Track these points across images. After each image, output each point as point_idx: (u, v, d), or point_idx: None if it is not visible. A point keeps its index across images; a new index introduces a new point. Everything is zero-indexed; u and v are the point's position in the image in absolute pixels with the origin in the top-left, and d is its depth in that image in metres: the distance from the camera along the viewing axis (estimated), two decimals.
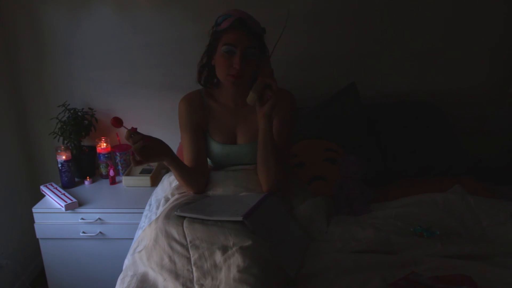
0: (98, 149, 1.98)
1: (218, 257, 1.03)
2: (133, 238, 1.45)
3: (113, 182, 1.97)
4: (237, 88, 1.33)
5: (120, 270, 1.19)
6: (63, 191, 1.85)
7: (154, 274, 1.09)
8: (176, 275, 1.04)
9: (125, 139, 1.19)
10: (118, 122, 1.20)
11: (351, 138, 1.78)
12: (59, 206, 1.76)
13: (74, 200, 1.76)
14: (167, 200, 1.46)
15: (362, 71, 2.02)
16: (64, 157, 1.87)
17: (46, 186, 1.90)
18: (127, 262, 1.25)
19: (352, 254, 1.14)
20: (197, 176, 1.38)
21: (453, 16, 1.95)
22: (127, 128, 1.18)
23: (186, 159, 1.41)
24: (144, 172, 1.97)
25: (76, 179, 2.00)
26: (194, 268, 1.04)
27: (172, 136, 1.95)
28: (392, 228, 1.28)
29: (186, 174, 1.34)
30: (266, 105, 1.25)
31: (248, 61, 1.27)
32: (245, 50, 1.25)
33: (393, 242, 1.20)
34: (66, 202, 1.74)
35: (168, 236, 1.11)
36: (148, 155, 1.19)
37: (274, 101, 1.24)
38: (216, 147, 1.43)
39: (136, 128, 1.18)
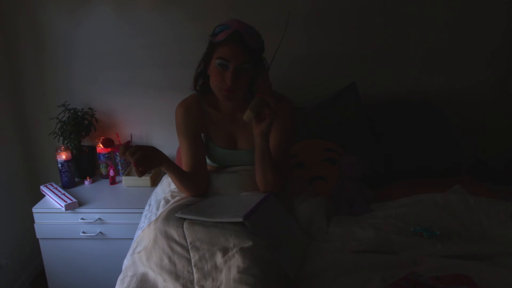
0: (98, 149, 1.98)
1: (219, 258, 1.03)
2: (133, 238, 1.45)
3: (113, 182, 1.97)
4: (230, 101, 1.31)
5: (120, 270, 1.19)
6: (63, 191, 1.85)
7: (154, 275, 1.09)
8: (176, 276, 1.04)
9: (120, 155, 1.17)
10: (108, 142, 1.19)
11: (351, 138, 1.78)
12: (59, 206, 1.76)
13: (74, 200, 1.76)
14: (167, 201, 1.46)
15: (362, 71, 2.02)
16: (64, 157, 1.87)
17: (46, 186, 1.90)
18: (126, 262, 1.25)
19: (352, 254, 1.14)
20: (195, 181, 1.37)
21: (453, 16, 1.95)
22: (118, 146, 1.17)
23: (185, 164, 1.40)
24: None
25: (76, 179, 2.00)
26: (194, 270, 1.04)
27: (172, 136, 1.94)
28: (392, 228, 1.28)
29: (184, 178, 1.33)
30: (263, 123, 1.22)
31: (241, 76, 1.24)
32: (239, 65, 1.22)
33: (393, 242, 1.20)
34: (66, 202, 1.74)
35: (168, 237, 1.11)
36: (149, 163, 1.17)
37: (271, 120, 1.21)
38: (216, 151, 1.43)
39: (130, 142, 1.18)
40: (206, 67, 1.33)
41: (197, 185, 1.38)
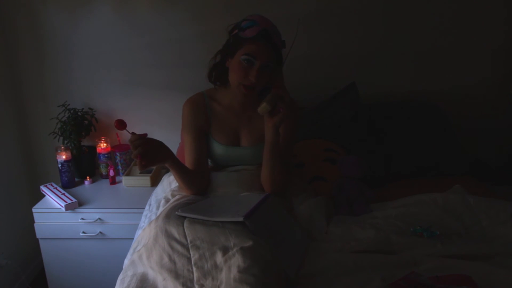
0: (98, 149, 1.98)
1: (219, 257, 1.03)
2: (133, 238, 1.45)
3: (113, 182, 1.97)
4: (247, 97, 1.33)
5: (120, 270, 1.19)
6: (63, 191, 1.85)
7: (154, 274, 1.09)
8: (176, 274, 1.04)
9: (128, 142, 1.18)
10: (121, 124, 1.19)
11: (351, 138, 1.78)
12: (59, 206, 1.76)
13: (74, 200, 1.76)
14: (167, 200, 1.46)
15: (362, 71, 2.02)
16: (64, 157, 1.87)
17: (46, 186, 1.90)
18: (127, 262, 1.25)
19: (352, 254, 1.14)
20: (197, 179, 1.38)
21: (453, 16, 1.95)
22: (129, 132, 1.17)
23: (188, 161, 1.41)
24: (144, 172, 1.97)
25: (76, 179, 2.00)
26: (194, 268, 1.04)
27: (172, 136, 1.96)
28: (392, 228, 1.28)
29: (186, 176, 1.34)
30: (277, 117, 1.25)
31: (264, 74, 1.26)
32: (264, 63, 1.24)
33: (393, 242, 1.20)
34: (66, 202, 1.74)
35: (168, 236, 1.11)
36: (152, 158, 1.18)
37: (285, 113, 1.24)
38: (219, 149, 1.43)
39: (146, 134, 1.18)
40: (224, 58, 1.33)
41: (199, 183, 1.38)
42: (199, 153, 1.41)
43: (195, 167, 1.39)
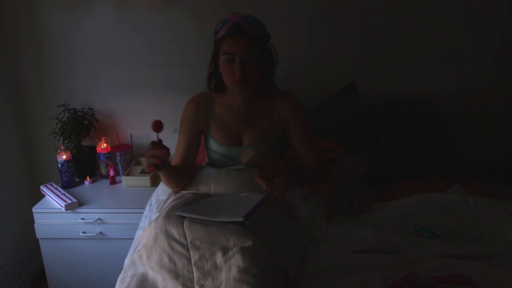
0: (98, 149, 1.98)
1: (219, 257, 1.03)
2: (133, 238, 1.45)
3: (113, 182, 1.97)
4: (245, 92, 1.34)
5: (120, 270, 1.19)
6: (63, 191, 1.85)
7: (154, 274, 1.09)
8: (176, 275, 1.04)
9: (149, 142, 1.19)
10: (158, 127, 1.19)
11: (351, 138, 1.78)
12: (59, 206, 1.76)
13: (74, 200, 1.76)
14: (168, 198, 1.46)
15: (362, 71, 2.02)
16: (64, 157, 1.87)
17: (46, 186, 1.90)
18: (127, 262, 1.25)
19: (352, 254, 1.14)
20: (181, 177, 1.40)
21: (453, 16, 1.95)
22: (158, 138, 1.18)
23: (176, 156, 1.44)
24: (144, 172, 1.97)
25: (76, 179, 2.00)
26: (194, 269, 1.04)
27: (172, 136, 1.95)
28: (392, 228, 1.28)
29: (172, 178, 1.37)
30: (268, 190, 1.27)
31: (250, 64, 1.27)
32: (244, 55, 1.25)
33: (393, 242, 1.20)
34: (66, 202, 1.74)
35: (168, 236, 1.11)
36: (160, 168, 1.21)
37: (273, 190, 1.26)
38: (219, 149, 1.44)
39: (161, 140, 1.20)
40: (216, 65, 1.35)
41: (181, 182, 1.41)
42: (189, 153, 1.43)
43: (181, 164, 1.42)
